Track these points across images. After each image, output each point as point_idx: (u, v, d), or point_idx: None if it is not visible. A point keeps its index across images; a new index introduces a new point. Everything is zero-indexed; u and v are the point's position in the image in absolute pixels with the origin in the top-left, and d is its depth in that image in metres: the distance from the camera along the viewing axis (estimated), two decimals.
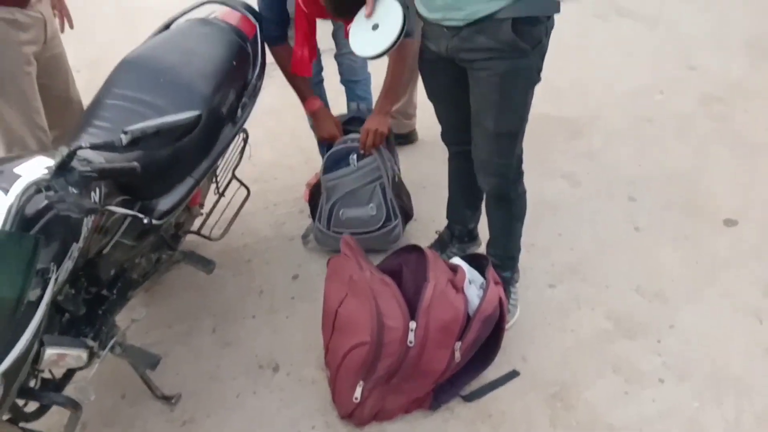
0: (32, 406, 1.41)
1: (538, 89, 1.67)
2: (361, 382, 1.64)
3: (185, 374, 1.88)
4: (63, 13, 2.09)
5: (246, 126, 1.97)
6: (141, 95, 1.65)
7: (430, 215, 2.38)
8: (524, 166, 1.85)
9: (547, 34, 1.59)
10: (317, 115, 2.19)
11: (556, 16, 1.59)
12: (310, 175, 2.60)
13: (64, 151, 1.21)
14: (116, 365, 1.70)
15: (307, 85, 2.20)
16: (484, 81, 1.61)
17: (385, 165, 2.15)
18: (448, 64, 1.68)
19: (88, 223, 1.33)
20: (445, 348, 1.64)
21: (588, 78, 3.38)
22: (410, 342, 1.59)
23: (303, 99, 2.20)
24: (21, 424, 1.37)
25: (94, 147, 1.29)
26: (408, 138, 2.82)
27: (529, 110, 1.70)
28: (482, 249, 2.20)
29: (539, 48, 1.58)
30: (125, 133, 1.26)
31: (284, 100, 2.65)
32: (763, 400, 1.76)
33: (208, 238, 2.11)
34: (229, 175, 2.15)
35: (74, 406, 1.39)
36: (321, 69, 2.40)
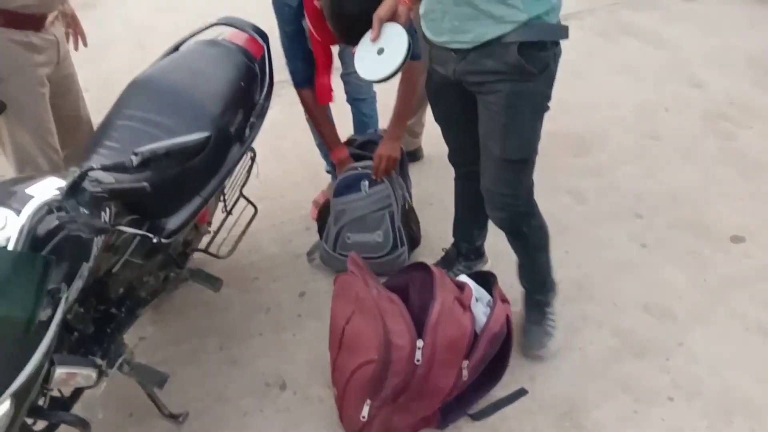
0: (41, 425, 1.41)
1: None
2: (369, 401, 1.64)
3: (192, 393, 1.88)
4: (77, 31, 2.12)
5: (253, 143, 1.98)
6: (151, 116, 1.67)
7: (437, 232, 2.38)
8: None
9: (555, 60, 1.58)
10: (343, 164, 2.20)
11: None
12: (317, 192, 2.62)
13: (75, 172, 1.23)
14: (124, 383, 1.70)
15: (334, 133, 2.24)
16: (491, 104, 1.61)
17: (395, 193, 2.15)
18: (455, 88, 1.69)
19: (98, 242, 1.34)
20: (452, 366, 1.64)
21: (594, 96, 3.39)
22: (417, 360, 1.58)
23: (330, 148, 2.23)
24: None
25: (105, 168, 1.30)
26: (414, 155, 2.83)
27: (538, 139, 1.67)
28: (489, 266, 2.21)
29: (547, 73, 1.57)
30: (136, 154, 1.28)
31: (291, 118, 2.68)
32: None
33: (216, 256, 2.11)
34: (237, 193, 2.16)
35: (83, 424, 1.38)
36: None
